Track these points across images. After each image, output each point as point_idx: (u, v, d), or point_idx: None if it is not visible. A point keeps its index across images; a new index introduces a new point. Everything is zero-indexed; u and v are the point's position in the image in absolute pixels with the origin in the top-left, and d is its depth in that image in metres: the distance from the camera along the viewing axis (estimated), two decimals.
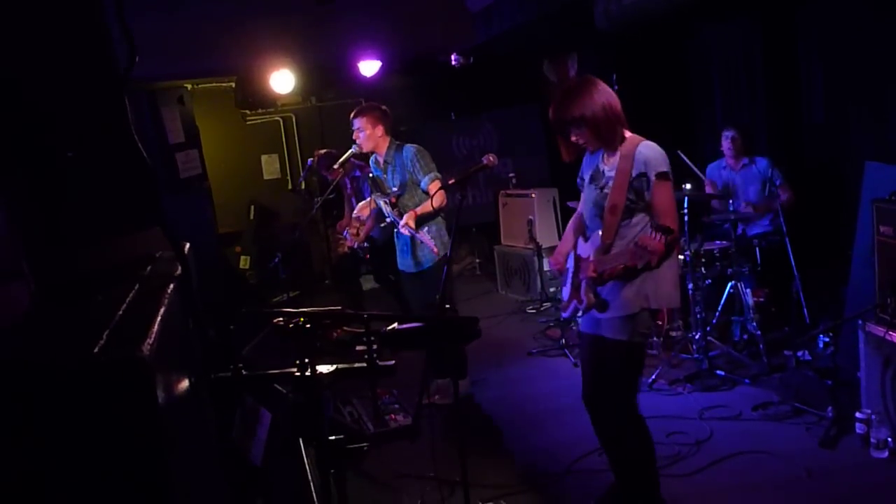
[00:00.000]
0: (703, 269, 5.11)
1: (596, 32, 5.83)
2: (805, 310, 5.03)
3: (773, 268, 5.27)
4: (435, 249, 4.69)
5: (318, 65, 7.83)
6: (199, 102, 8.17)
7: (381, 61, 7.63)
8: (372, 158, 5.03)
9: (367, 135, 4.82)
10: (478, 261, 9.28)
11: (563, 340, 5.78)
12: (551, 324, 6.41)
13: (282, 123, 9.76)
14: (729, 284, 5.20)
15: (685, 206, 4.99)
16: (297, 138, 9.85)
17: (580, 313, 3.22)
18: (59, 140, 1.39)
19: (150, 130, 6.34)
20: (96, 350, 1.01)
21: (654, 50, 6.78)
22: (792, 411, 4.20)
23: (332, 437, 2.00)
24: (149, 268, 1.55)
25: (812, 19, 5.48)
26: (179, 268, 1.52)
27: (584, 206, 3.28)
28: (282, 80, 7.50)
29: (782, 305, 5.28)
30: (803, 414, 4.14)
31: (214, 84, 8.92)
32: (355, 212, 5.28)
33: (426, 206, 4.68)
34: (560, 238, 3.58)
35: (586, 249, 3.19)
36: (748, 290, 5.14)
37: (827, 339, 4.90)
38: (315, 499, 2.39)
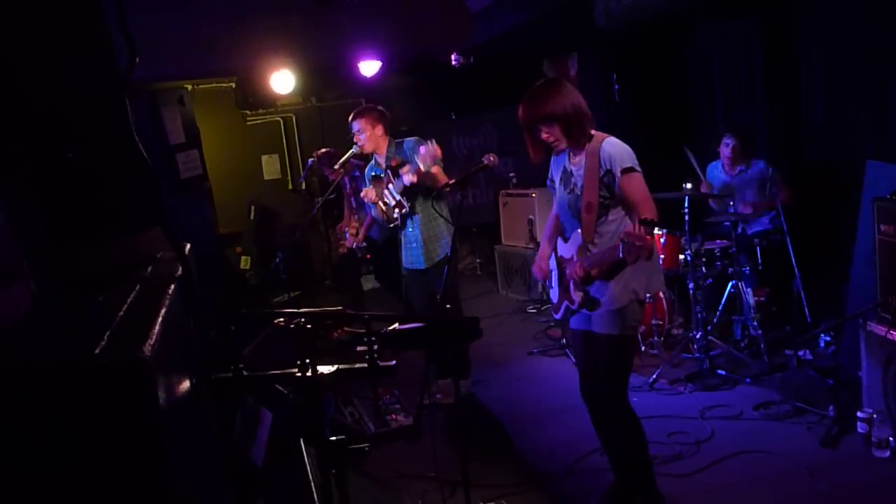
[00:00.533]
0: (703, 268, 5.11)
1: (596, 31, 5.83)
2: (806, 309, 5.03)
3: (774, 267, 5.27)
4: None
5: (318, 65, 7.83)
6: (200, 103, 8.18)
7: (382, 61, 7.63)
8: (372, 160, 5.02)
9: (368, 136, 4.81)
10: (478, 261, 9.28)
11: (564, 340, 5.78)
12: (552, 323, 6.41)
13: (282, 124, 9.76)
14: (730, 284, 5.19)
15: (685, 205, 5.00)
16: (297, 139, 9.85)
17: (572, 313, 3.24)
18: (59, 141, 1.39)
19: (151, 131, 6.34)
20: (97, 351, 1.01)
21: (654, 49, 6.78)
22: (793, 410, 4.19)
23: (334, 438, 2.00)
24: (150, 268, 1.55)
25: (812, 17, 5.48)
26: (180, 268, 1.52)
27: (558, 208, 3.35)
28: (282, 81, 7.51)
29: (783, 305, 5.27)
30: (804, 413, 4.14)
31: (215, 85, 8.93)
32: (362, 194, 5.17)
33: (431, 174, 4.61)
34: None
35: (568, 250, 3.24)
36: (749, 290, 5.14)
37: (828, 339, 4.90)
38: (316, 499, 2.39)
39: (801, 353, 4.80)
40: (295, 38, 6.95)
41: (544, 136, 3.14)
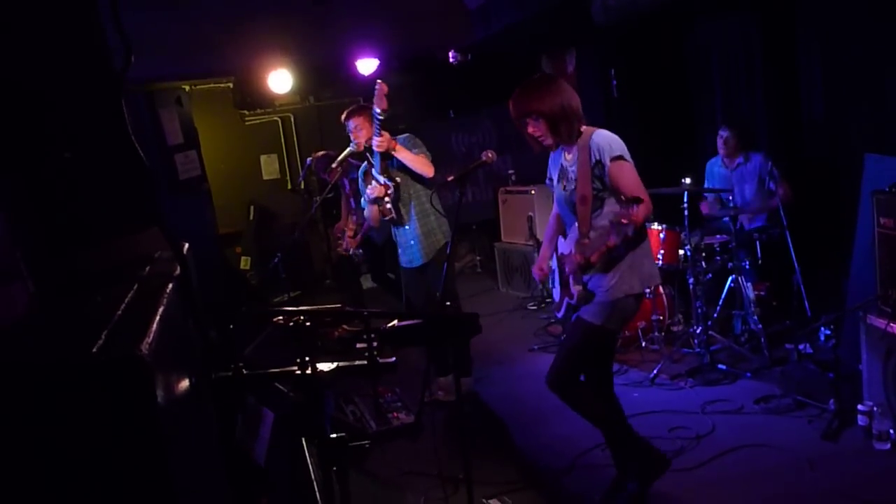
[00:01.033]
0: (703, 263, 5.11)
1: (594, 27, 5.82)
2: (806, 303, 5.03)
3: (774, 261, 5.27)
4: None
5: (315, 64, 7.83)
6: (198, 103, 8.17)
7: (379, 60, 7.63)
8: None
9: (366, 133, 4.81)
10: (478, 258, 9.27)
11: (565, 336, 5.77)
12: (552, 320, 6.41)
13: (280, 123, 9.75)
14: (730, 278, 5.20)
15: (685, 200, 5.00)
16: (295, 138, 9.84)
17: (573, 309, 3.25)
18: (56, 141, 1.39)
19: (149, 132, 6.34)
20: (95, 349, 1.01)
21: (652, 45, 6.77)
22: (794, 404, 4.20)
23: (335, 435, 2.00)
24: (147, 268, 1.55)
25: (811, 12, 5.47)
26: (178, 268, 1.52)
27: (557, 205, 3.39)
28: (280, 80, 7.50)
29: (783, 299, 5.27)
30: (805, 407, 4.15)
31: (212, 85, 8.91)
32: (368, 190, 5.13)
33: (411, 154, 4.63)
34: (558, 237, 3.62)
35: (567, 246, 3.27)
36: (749, 284, 5.14)
37: (828, 332, 4.90)
38: (318, 497, 2.39)
39: (801, 346, 4.81)
40: (292, 37, 6.94)
41: (530, 130, 3.18)
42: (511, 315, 7.04)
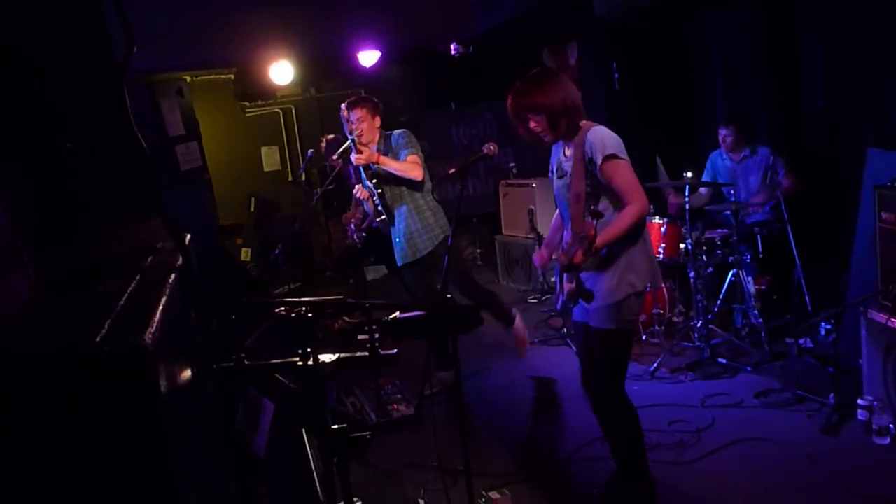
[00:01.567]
0: (704, 257, 5.11)
1: (595, 20, 5.81)
2: (807, 297, 5.03)
3: (775, 255, 5.27)
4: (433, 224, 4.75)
5: (317, 56, 7.81)
6: (199, 95, 8.15)
7: (381, 51, 7.61)
8: None
9: (368, 126, 4.79)
10: (479, 251, 9.27)
11: (565, 330, 5.78)
12: (553, 313, 6.41)
13: (281, 115, 9.74)
14: (730, 272, 5.19)
15: (686, 194, 4.99)
16: (296, 130, 9.84)
17: (571, 303, 3.25)
18: (58, 131, 1.39)
19: (150, 123, 6.32)
20: (98, 339, 1.01)
21: (654, 37, 6.76)
22: (793, 398, 4.20)
23: (335, 426, 2.00)
24: (150, 258, 1.55)
25: (813, 5, 5.46)
26: (180, 258, 1.52)
27: (556, 199, 3.33)
28: (281, 72, 7.49)
29: (784, 293, 5.28)
30: (805, 401, 4.15)
31: (214, 76, 8.91)
32: (355, 191, 5.21)
33: (396, 163, 4.64)
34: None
35: (566, 242, 3.24)
36: (750, 278, 5.15)
37: (828, 327, 4.90)
38: (318, 488, 2.40)
39: (801, 341, 4.81)
40: (293, 29, 6.92)
41: (532, 125, 3.13)
42: (511, 308, 7.03)
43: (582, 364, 3.40)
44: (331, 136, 6.72)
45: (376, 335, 2.00)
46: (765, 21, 5.89)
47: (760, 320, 5.04)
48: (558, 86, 3.09)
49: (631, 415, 3.24)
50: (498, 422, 4.50)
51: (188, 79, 8.10)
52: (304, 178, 8.99)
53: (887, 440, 3.61)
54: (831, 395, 4.00)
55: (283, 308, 1.98)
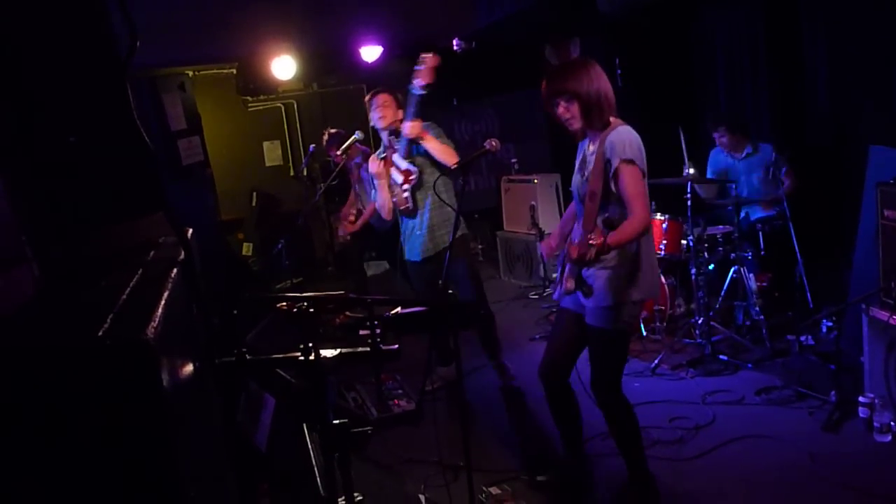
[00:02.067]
0: (706, 253, 5.11)
1: (598, 16, 5.79)
2: (808, 294, 5.03)
3: (777, 252, 5.27)
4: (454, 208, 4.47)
5: (319, 51, 7.80)
6: (201, 89, 8.16)
7: (383, 46, 7.60)
8: (383, 143, 4.84)
9: (392, 112, 4.68)
10: (480, 247, 9.26)
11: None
12: (554, 309, 6.41)
13: (283, 110, 9.74)
14: (732, 269, 5.19)
15: (688, 190, 4.99)
16: (298, 125, 9.83)
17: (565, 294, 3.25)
18: (61, 125, 1.39)
19: (152, 117, 6.33)
20: (101, 333, 1.02)
21: (657, 34, 6.74)
22: (795, 396, 4.20)
23: (336, 422, 2.01)
24: (152, 253, 1.55)
25: (816, 2, 5.45)
26: (183, 253, 1.52)
27: (573, 193, 3.33)
28: (283, 67, 7.48)
29: (785, 290, 5.27)
30: (806, 398, 4.15)
31: (215, 71, 8.90)
32: (393, 174, 4.89)
33: (438, 143, 4.44)
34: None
35: (576, 235, 3.23)
36: (751, 275, 5.14)
37: (830, 324, 4.90)
38: (319, 483, 2.40)
39: (803, 338, 4.81)
40: (295, 23, 6.92)
41: (560, 110, 3.10)
42: (512, 303, 7.04)
43: (546, 350, 3.42)
44: (333, 129, 6.70)
45: (378, 330, 2.00)
46: (768, 18, 5.88)
47: (762, 317, 5.04)
48: (593, 76, 3.07)
49: (628, 414, 3.25)
50: (499, 418, 4.51)
51: (190, 73, 8.10)
52: (305, 173, 8.98)
53: (888, 438, 3.61)
54: (832, 392, 4.00)
55: (284, 303, 1.99)
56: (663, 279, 5.38)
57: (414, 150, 4.57)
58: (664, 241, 5.27)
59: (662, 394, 4.48)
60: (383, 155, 4.80)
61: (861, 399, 3.76)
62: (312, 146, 7.11)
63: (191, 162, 6.87)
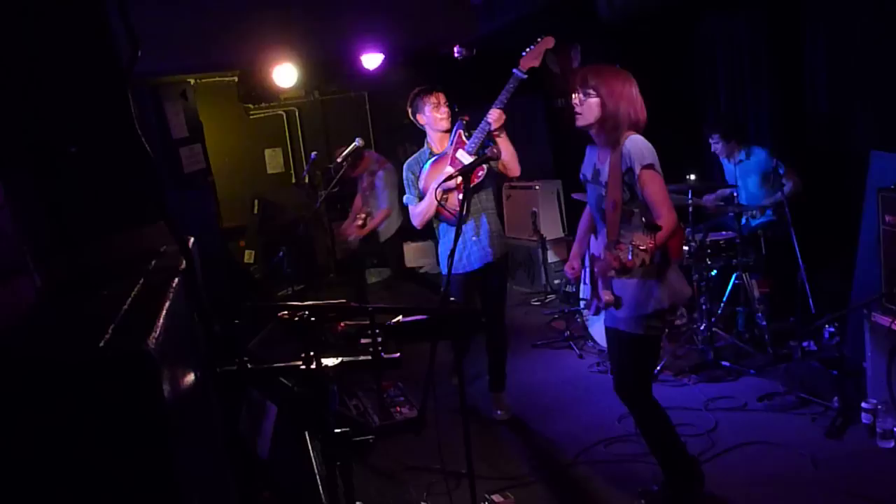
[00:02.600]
0: (708, 259, 5.10)
1: (599, 23, 5.80)
2: (810, 300, 5.01)
3: (779, 258, 5.26)
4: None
5: (320, 58, 7.81)
6: (203, 97, 8.18)
7: (384, 54, 7.61)
8: (427, 146, 4.59)
9: (446, 112, 4.52)
10: None
11: (568, 332, 5.78)
12: (556, 316, 6.41)
13: (285, 117, 9.76)
14: (734, 275, 5.18)
15: (689, 197, 4.98)
16: (300, 132, 9.85)
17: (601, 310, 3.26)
18: (62, 135, 1.39)
19: (154, 125, 6.34)
20: (102, 344, 1.02)
21: (657, 40, 6.75)
22: (797, 402, 4.19)
23: (338, 430, 2.01)
24: (153, 262, 1.55)
25: (817, 8, 5.45)
26: (184, 262, 1.52)
27: (589, 205, 3.32)
28: (284, 75, 7.49)
29: (788, 296, 5.25)
30: (809, 404, 4.14)
31: (217, 79, 8.92)
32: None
33: (510, 146, 4.26)
34: (564, 230, 3.62)
35: (598, 247, 3.24)
36: (753, 281, 5.13)
37: (832, 330, 4.88)
38: (321, 491, 2.40)
39: (805, 344, 4.80)
40: (297, 31, 6.94)
41: (574, 100, 3.10)
42: (514, 310, 7.03)
43: (613, 368, 3.44)
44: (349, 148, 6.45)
45: (379, 338, 2.00)
46: (769, 24, 5.88)
47: (764, 323, 5.03)
48: (626, 90, 3.09)
49: (660, 416, 3.27)
50: (501, 425, 4.50)
51: (192, 81, 8.12)
52: (307, 180, 8.99)
53: (891, 443, 3.60)
54: (835, 398, 3.99)
55: (286, 311, 1.98)
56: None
57: (486, 143, 4.22)
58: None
59: (665, 400, 4.39)
60: (435, 158, 4.42)
61: (864, 405, 3.75)
62: (314, 153, 7.11)
63: (192, 170, 6.88)
